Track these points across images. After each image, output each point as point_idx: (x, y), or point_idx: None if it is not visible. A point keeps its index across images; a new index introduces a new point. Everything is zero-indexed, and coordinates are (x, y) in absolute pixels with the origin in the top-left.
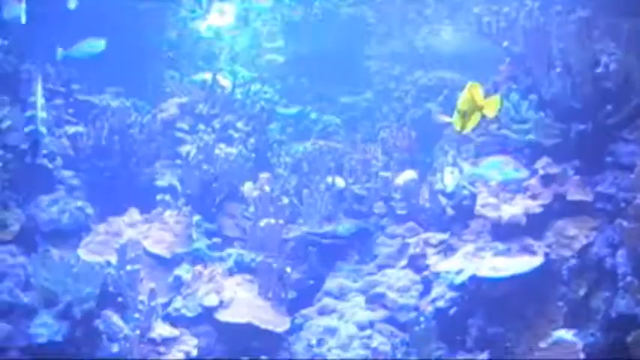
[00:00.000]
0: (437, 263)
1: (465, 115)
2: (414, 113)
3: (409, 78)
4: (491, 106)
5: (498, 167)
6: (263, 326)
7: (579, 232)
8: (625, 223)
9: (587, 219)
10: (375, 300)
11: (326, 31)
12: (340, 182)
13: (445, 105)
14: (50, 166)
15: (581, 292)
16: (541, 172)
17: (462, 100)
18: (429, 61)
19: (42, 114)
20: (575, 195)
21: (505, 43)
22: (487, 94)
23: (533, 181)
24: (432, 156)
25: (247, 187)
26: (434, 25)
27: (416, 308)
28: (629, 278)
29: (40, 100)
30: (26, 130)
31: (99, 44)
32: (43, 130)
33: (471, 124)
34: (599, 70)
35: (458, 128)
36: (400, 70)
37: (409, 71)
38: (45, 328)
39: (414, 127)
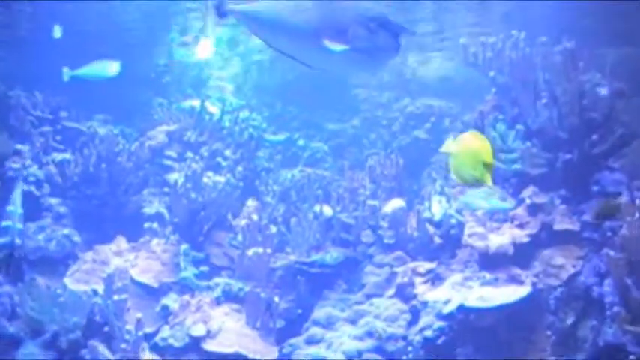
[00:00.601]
0: (425, 292)
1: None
2: (402, 140)
3: (396, 105)
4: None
5: (485, 196)
6: (251, 355)
7: (566, 261)
8: (612, 253)
9: (573, 248)
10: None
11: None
12: (328, 211)
13: (432, 132)
14: (37, 193)
15: (569, 321)
16: (528, 201)
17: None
18: (416, 88)
19: (19, 225)
20: (561, 224)
21: (491, 73)
22: (476, 125)
23: (520, 211)
24: (420, 183)
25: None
26: (421, 54)
27: (404, 337)
28: (616, 308)
29: (18, 210)
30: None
31: (112, 66)
32: (19, 241)
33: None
34: (585, 100)
35: (488, 183)
36: (388, 98)
37: (397, 99)
38: (31, 357)
39: (402, 154)
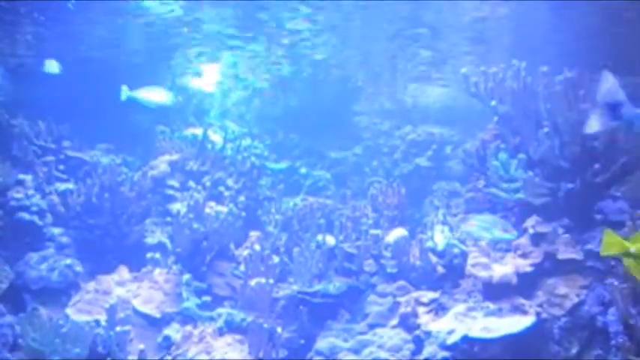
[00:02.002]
0: (428, 322)
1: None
2: (404, 168)
3: (398, 133)
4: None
5: (487, 226)
6: None
7: (570, 290)
8: (616, 283)
9: (577, 277)
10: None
11: (316, 87)
12: (330, 240)
13: (434, 160)
14: (40, 223)
15: (574, 350)
16: (531, 230)
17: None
18: (417, 116)
19: None
20: (565, 254)
21: (493, 103)
22: (478, 154)
23: (524, 240)
24: (422, 212)
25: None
26: (422, 82)
27: None
28: (620, 337)
29: None
30: None
31: (169, 96)
32: None
33: None
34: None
35: None
36: (389, 126)
37: (398, 127)
38: None
39: (404, 182)
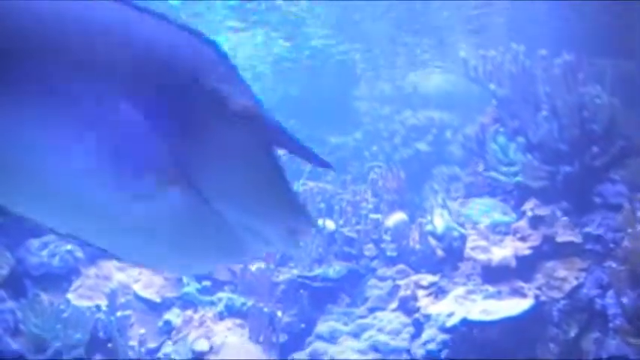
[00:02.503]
0: (428, 305)
1: None
2: (403, 153)
3: (398, 118)
4: None
5: (486, 210)
6: None
7: (569, 273)
8: (614, 265)
9: (576, 260)
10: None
11: (316, 72)
12: (330, 225)
13: (434, 144)
14: None
15: (572, 333)
16: (530, 214)
17: None
18: (417, 101)
19: None
20: (564, 236)
21: (492, 86)
22: (477, 138)
23: (522, 223)
24: (422, 196)
25: None
26: (422, 67)
27: (407, 351)
28: (618, 320)
29: None
30: None
31: None
32: None
33: None
34: (585, 112)
35: None
36: (389, 111)
37: (398, 111)
38: None
39: (403, 166)
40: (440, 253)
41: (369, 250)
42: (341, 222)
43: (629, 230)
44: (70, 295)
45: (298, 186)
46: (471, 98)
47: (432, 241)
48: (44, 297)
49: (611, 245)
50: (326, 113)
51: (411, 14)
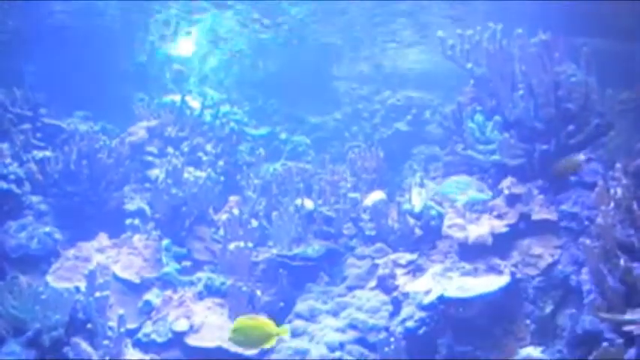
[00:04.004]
0: (406, 284)
1: None
2: (383, 133)
3: (377, 98)
4: None
5: (462, 187)
6: (233, 349)
7: (545, 250)
8: (588, 242)
9: (552, 237)
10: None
11: (294, 52)
12: (309, 204)
13: (413, 124)
14: (18, 191)
15: (548, 309)
16: (506, 192)
17: None
18: (396, 81)
19: None
20: (540, 214)
21: (469, 65)
22: (454, 116)
23: (499, 201)
24: (402, 175)
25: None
26: (401, 47)
27: (386, 329)
28: (593, 296)
29: None
30: None
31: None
32: None
33: None
34: (560, 91)
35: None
36: (369, 91)
37: (377, 91)
38: (13, 356)
39: (383, 146)
40: (418, 231)
41: (348, 229)
42: (320, 201)
43: (602, 207)
44: (48, 277)
45: (278, 166)
46: (450, 77)
47: (410, 220)
48: (23, 279)
49: (587, 222)
50: (306, 93)
51: None
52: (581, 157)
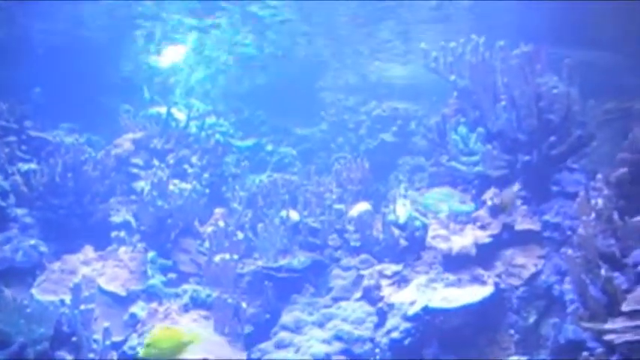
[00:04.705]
0: (391, 295)
1: None
2: (369, 144)
3: (363, 109)
4: None
5: (445, 199)
6: None
7: (528, 260)
8: (570, 252)
9: (535, 248)
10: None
11: (281, 64)
12: (294, 215)
13: (399, 135)
14: (3, 204)
15: (531, 319)
16: (489, 202)
17: None
18: (382, 92)
19: None
20: (523, 224)
21: (452, 77)
22: (438, 128)
23: (482, 212)
24: (387, 186)
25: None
26: (387, 59)
27: (371, 340)
28: (575, 305)
29: None
30: None
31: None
32: None
33: None
34: (542, 103)
35: None
36: (354, 102)
37: (363, 102)
38: None
39: (369, 157)
40: (403, 242)
41: (333, 240)
42: (305, 213)
43: (584, 218)
44: (34, 290)
45: (264, 177)
46: (436, 89)
47: (395, 231)
48: (8, 292)
49: (569, 232)
50: (292, 104)
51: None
52: (515, 188)
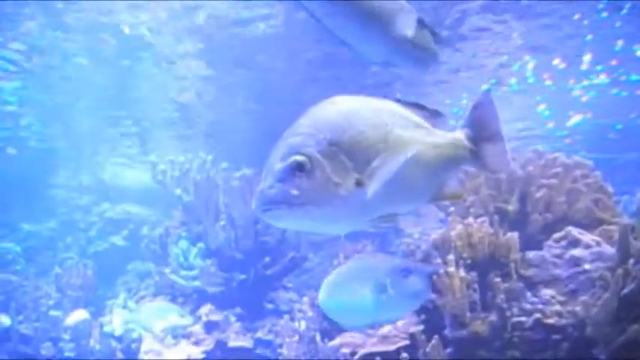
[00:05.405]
0: None
1: None
2: (99, 246)
3: (96, 209)
4: None
5: (163, 313)
6: None
7: None
8: None
9: None
10: None
11: (9, 159)
12: (5, 320)
13: (130, 239)
14: None
15: None
16: (204, 318)
17: None
18: (116, 194)
19: None
20: (236, 341)
21: (177, 192)
22: (161, 240)
23: (198, 328)
24: (114, 291)
25: None
26: (124, 161)
27: None
28: None
29: None
30: None
31: None
32: None
33: None
34: (259, 225)
35: None
36: (87, 201)
37: (96, 203)
38: None
39: (98, 260)
40: (119, 354)
41: (47, 349)
42: (20, 318)
43: (287, 339)
44: None
45: None
46: (171, 194)
47: (112, 342)
48: None
49: (279, 351)
50: (20, 199)
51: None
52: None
